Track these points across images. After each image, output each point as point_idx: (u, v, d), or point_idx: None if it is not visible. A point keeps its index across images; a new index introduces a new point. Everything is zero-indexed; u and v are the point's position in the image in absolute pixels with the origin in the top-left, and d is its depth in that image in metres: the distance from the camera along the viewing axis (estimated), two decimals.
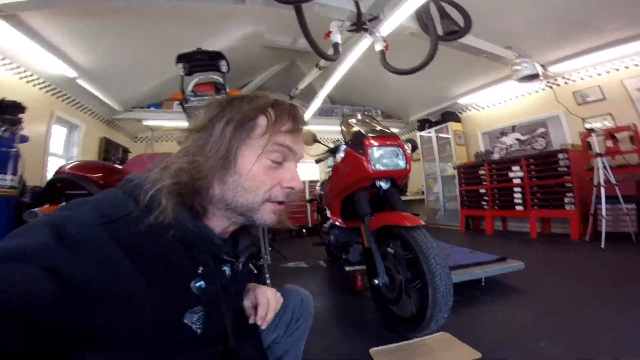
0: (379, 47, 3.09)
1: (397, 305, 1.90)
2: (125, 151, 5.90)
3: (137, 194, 0.54)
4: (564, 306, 2.10)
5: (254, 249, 0.81)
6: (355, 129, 2.29)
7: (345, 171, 2.25)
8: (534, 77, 3.84)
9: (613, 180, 3.36)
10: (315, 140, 2.12)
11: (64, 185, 2.34)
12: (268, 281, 2.53)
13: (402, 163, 2.09)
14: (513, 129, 4.84)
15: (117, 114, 5.54)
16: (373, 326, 2.10)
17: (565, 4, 3.16)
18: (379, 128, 2.26)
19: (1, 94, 2.75)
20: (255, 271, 2.62)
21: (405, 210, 1.93)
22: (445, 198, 6.11)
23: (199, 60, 2.98)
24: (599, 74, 3.90)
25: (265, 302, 0.80)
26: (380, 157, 2.07)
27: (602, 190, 3.41)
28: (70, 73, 3.99)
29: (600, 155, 3.38)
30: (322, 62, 3.61)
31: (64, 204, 0.54)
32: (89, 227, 0.46)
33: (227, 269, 0.69)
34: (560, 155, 3.88)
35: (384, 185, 2.14)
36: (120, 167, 3.10)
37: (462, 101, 5.38)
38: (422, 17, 2.90)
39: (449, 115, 5.81)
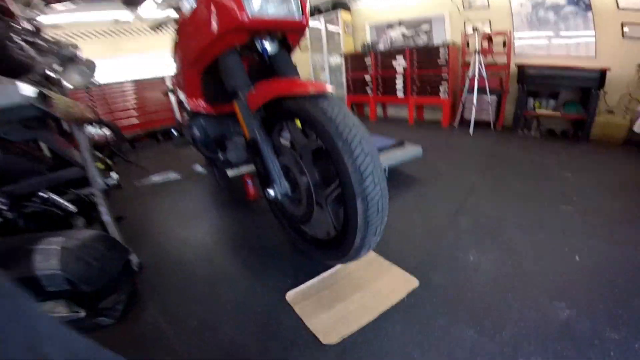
0: None
1: (309, 222, 1.22)
2: None
3: None
4: (471, 199, 1.94)
5: None
6: None
7: (202, 24, 1.20)
8: None
9: (484, 74, 3.69)
10: None
11: None
12: (106, 218, 1.49)
13: (295, 10, 1.18)
14: (399, 23, 4.79)
15: None
16: (281, 253, 1.48)
17: None
18: None
19: None
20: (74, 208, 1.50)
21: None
22: (332, 85, 5.66)
23: None
24: None
25: None
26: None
27: (475, 82, 3.73)
28: None
29: (478, 52, 3.69)
30: None
31: None
32: None
33: None
34: (441, 50, 4.13)
35: (269, 46, 1.23)
36: None
37: None
38: None
39: (340, 4, 5.27)
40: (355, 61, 5.15)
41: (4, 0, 1.61)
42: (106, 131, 3.67)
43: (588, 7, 3.33)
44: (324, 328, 1.02)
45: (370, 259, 1.34)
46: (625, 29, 3.22)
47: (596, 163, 2.62)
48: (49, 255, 0.98)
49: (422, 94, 4.46)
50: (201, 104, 1.52)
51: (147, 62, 4.81)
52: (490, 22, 3.94)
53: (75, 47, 2.58)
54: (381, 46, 5.01)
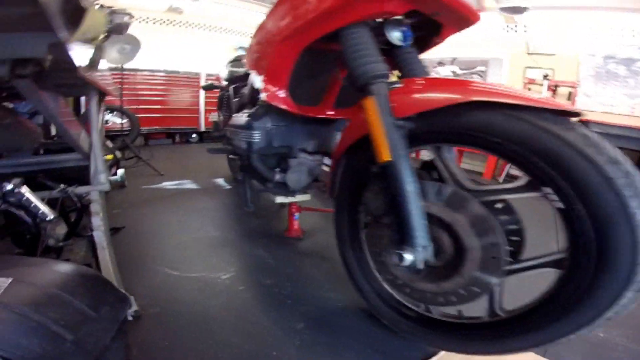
0: None
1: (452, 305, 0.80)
2: None
3: None
4: None
5: None
6: None
7: None
8: (519, 9, 3.36)
9: None
10: None
11: None
12: (98, 234, 1.04)
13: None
14: (453, 61, 4.48)
15: None
16: (356, 326, 1.03)
17: None
18: None
19: None
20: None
21: None
22: None
23: None
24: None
25: None
26: None
27: None
28: None
29: None
30: None
31: None
32: None
33: None
34: None
35: (406, 38, 0.91)
36: None
37: None
38: None
39: None
40: None
41: None
42: (122, 120, 3.27)
43: None
44: None
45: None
46: None
47: None
48: None
49: None
50: (282, 96, 1.10)
51: (188, 56, 4.31)
52: (554, 71, 3.71)
53: (131, 16, 2.26)
54: None
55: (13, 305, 0.54)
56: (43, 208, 0.94)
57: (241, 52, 2.63)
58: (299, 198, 1.38)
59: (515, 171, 3.50)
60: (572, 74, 3.55)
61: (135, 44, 2.46)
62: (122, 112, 3.19)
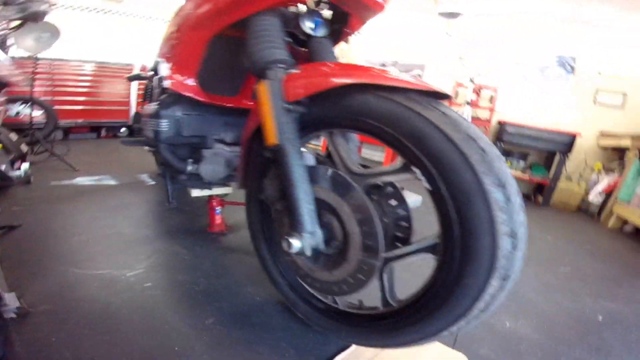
0: None
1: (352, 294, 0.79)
2: None
3: None
4: None
5: None
6: None
7: None
8: (454, 15, 3.65)
9: None
10: None
11: None
12: None
13: None
14: (394, 64, 4.75)
15: None
16: (271, 322, 1.03)
17: None
18: None
19: None
20: None
21: None
22: None
23: None
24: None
25: None
26: None
27: None
28: None
29: (468, 103, 3.70)
30: None
31: None
32: None
33: None
34: None
35: (320, 28, 0.94)
36: None
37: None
38: None
39: None
40: None
41: None
42: (36, 112, 2.89)
43: (572, 70, 3.57)
44: None
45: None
46: (598, 95, 3.46)
47: (566, 228, 2.73)
48: None
49: None
50: (190, 84, 1.06)
51: (126, 47, 4.01)
52: (479, 76, 3.98)
53: (51, 5, 2.01)
54: None
55: None
56: None
57: None
58: (217, 191, 1.34)
59: None
60: (494, 78, 3.92)
61: (54, 32, 2.23)
62: (35, 103, 2.82)
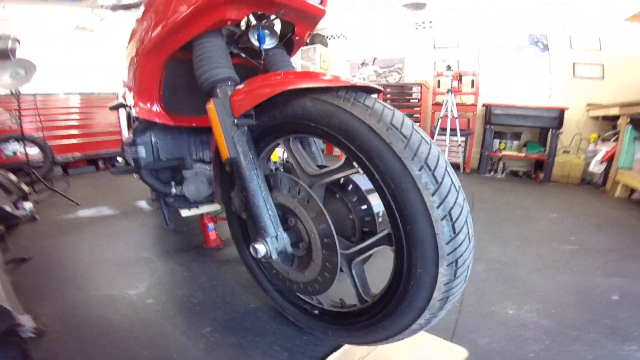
0: None
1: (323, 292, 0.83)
2: None
3: None
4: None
5: None
6: None
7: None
8: (420, 5, 3.74)
9: (456, 114, 3.67)
10: None
11: None
12: None
13: None
14: (374, 61, 4.86)
15: None
16: (263, 326, 1.06)
17: None
18: None
19: None
20: None
21: None
22: None
23: None
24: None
25: None
26: None
27: (448, 121, 3.69)
28: None
29: (450, 91, 3.68)
30: None
31: None
32: None
33: None
34: (414, 88, 4.13)
35: (267, 40, 0.95)
36: None
37: (332, 26, 4.92)
38: None
39: (318, 39, 5.22)
40: None
41: None
42: (32, 150, 2.99)
43: (545, 47, 3.60)
44: None
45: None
46: (577, 69, 3.48)
47: (569, 203, 2.67)
48: None
49: None
50: (155, 110, 1.10)
51: (103, 75, 4.06)
52: (458, 62, 4.09)
53: (16, 41, 2.08)
54: None
55: None
56: None
57: None
58: (205, 209, 1.39)
59: None
60: (475, 63, 3.96)
61: (29, 67, 2.30)
62: (27, 140, 2.88)
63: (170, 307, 1.16)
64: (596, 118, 3.41)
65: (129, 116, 2.25)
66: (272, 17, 0.94)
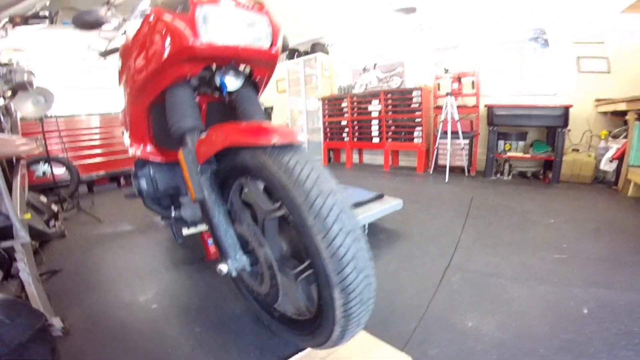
0: None
1: (276, 302, 1.00)
2: None
3: None
4: (459, 254, 1.78)
5: None
6: None
7: (146, 47, 1.02)
8: (410, 10, 3.83)
9: (457, 117, 3.62)
10: None
11: None
12: (24, 275, 1.21)
13: (263, 36, 1.03)
14: (375, 66, 4.88)
15: None
16: (243, 329, 1.24)
17: None
18: None
19: None
20: None
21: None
22: (309, 130, 5.75)
23: None
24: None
25: None
26: (220, 21, 0.94)
27: (449, 124, 3.65)
28: None
29: (449, 94, 3.64)
30: None
31: None
32: None
33: None
34: (414, 93, 4.11)
35: (232, 81, 1.06)
36: None
37: (331, 34, 5.09)
38: None
39: (319, 47, 5.37)
40: (332, 105, 5.11)
41: None
42: (59, 169, 3.30)
43: (546, 43, 3.54)
44: None
45: (361, 338, 1.09)
46: (581, 63, 3.39)
47: (574, 206, 2.60)
48: None
49: (397, 139, 4.38)
50: (148, 149, 1.29)
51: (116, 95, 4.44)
52: (458, 63, 4.05)
53: (31, 73, 2.35)
54: (356, 90, 4.99)
55: None
56: None
57: None
58: (202, 227, 1.55)
59: (443, 161, 3.83)
60: (475, 63, 3.91)
61: (47, 95, 2.53)
62: (54, 160, 3.15)
63: (170, 311, 1.36)
64: (605, 114, 3.31)
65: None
66: (230, 70, 1.05)
